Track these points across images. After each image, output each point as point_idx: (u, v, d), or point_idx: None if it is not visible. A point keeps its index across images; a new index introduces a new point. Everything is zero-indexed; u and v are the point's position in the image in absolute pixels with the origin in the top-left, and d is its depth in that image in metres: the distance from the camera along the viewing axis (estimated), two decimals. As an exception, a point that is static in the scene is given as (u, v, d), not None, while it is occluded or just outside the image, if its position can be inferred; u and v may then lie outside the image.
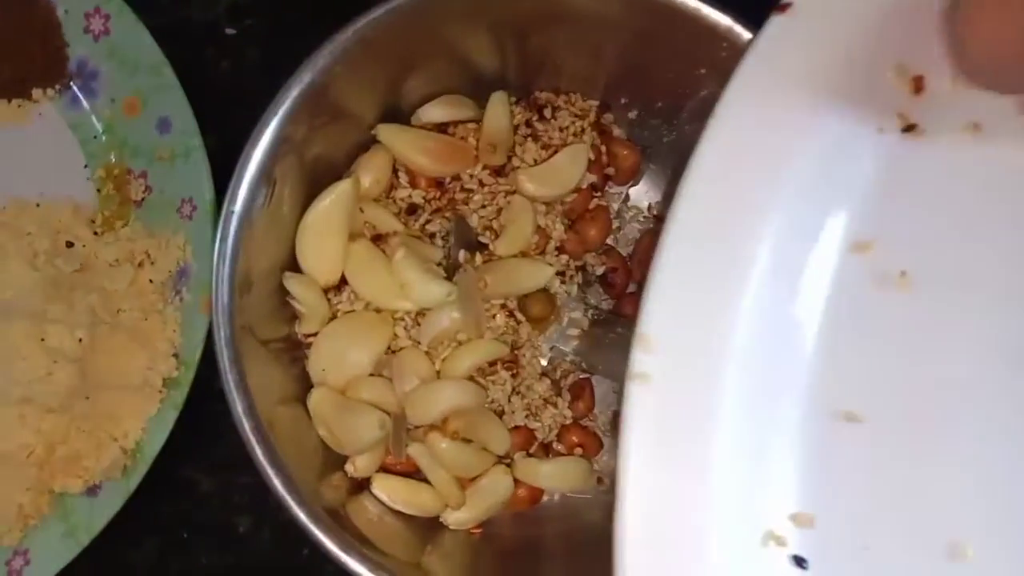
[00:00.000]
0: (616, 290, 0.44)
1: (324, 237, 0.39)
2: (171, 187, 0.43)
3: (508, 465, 0.41)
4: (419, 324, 0.40)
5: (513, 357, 0.41)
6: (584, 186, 0.42)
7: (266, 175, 0.37)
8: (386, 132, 0.41)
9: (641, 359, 0.29)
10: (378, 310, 0.40)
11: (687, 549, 0.29)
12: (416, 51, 0.39)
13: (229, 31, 0.48)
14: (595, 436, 0.43)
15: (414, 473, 0.41)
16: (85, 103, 0.45)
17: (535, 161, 0.42)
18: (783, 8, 0.29)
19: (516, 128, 0.42)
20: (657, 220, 0.44)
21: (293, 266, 0.40)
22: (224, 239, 0.36)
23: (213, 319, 0.36)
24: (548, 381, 0.42)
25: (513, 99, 0.43)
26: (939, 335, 0.30)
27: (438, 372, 0.40)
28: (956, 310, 0.30)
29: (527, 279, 0.41)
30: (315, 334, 0.40)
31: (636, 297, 0.43)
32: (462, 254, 0.40)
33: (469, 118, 0.42)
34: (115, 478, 0.41)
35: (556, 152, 0.42)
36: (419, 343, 0.40)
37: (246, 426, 0.36)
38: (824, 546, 0.29)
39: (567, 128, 0.43)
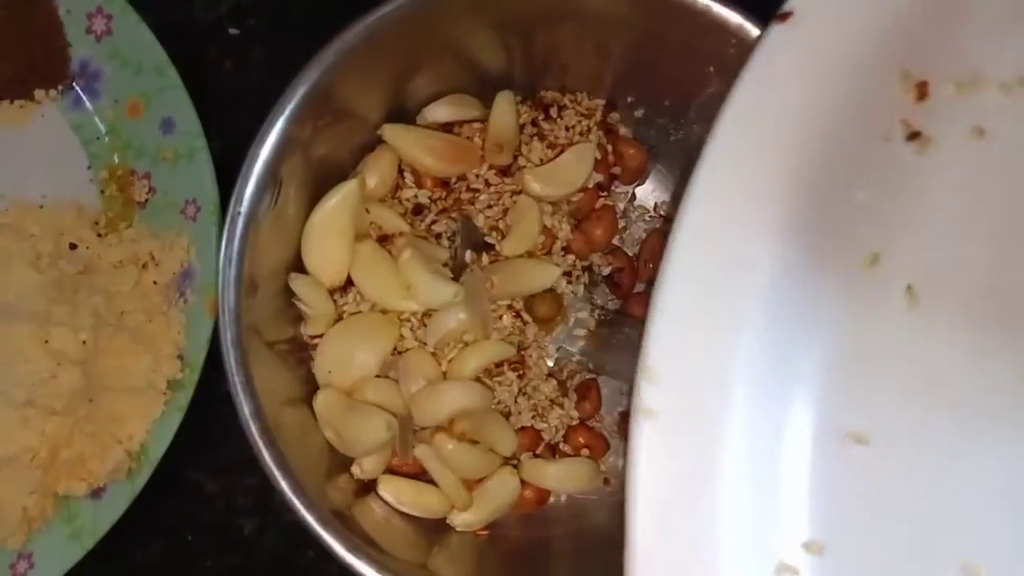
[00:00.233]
0: (623, 290, 0.43)
1: (330, 238, 0.39)
2: (175, 188, 0.43)
3: (515, 466, 0.41)
4: (425, 325, 0.40)
5: (520, 358, 0.41)
6: (590, 185, 0.42)
7: (272, 175, 0.36)
8: (392, 132, 0.41)
9: (647, 391, 0.29)
10: (384, 311, 0.40)
11: None
12: (422, 49, 0.39)
13: (232, 31, 0.48)
14: (602, 437, 0.43)
15: (420, 474, 0.41)
16: (88, 104, 0.45)
17: (541, 161, 0.42)
18: (783, 17, 0.29)
19: (522, 127, 0.42)
20: (664, 220, 0.44)
21: (298, 267, 0.40)
22: (231, 240, 0.36)
23: (220, 320, 0.36)
24: (555, 382, 0.42)
25: (519, 98, 0.42)
26: (948, 356, 0.30)
27: (444, 373, 0.40)
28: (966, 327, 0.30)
29: (534, 279, 0.41)
30: (321, 335, 0.40)
31: (643, 297, 0.43)
32: (468, 254, 0.40)
33: (475, 117, 0.42)
34: (120, 480, 0.41)
35: (562, 151, 0.42)
36: (425, 344, 0.40)
37: (253, 428, 0.35)
38: (838, 574, 0.29)
39: (573, 127, 0.42)
